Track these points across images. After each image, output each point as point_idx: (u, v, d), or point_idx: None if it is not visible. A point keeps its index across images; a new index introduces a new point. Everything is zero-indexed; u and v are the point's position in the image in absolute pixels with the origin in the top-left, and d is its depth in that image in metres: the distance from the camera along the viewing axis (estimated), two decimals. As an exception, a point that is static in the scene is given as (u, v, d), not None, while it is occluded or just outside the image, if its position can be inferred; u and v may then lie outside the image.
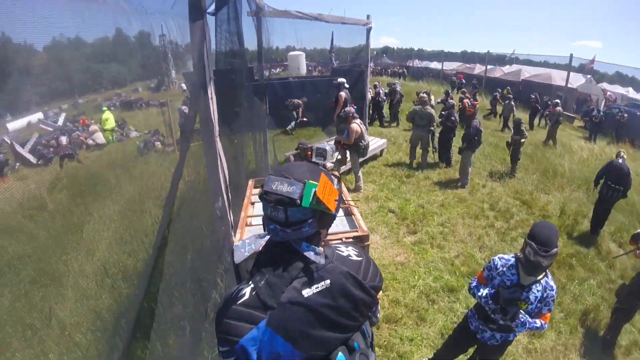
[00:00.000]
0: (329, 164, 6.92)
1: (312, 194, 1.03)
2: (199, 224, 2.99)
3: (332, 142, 6.92)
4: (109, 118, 9.51)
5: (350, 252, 1.23)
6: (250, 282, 1.07)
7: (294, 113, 10.77)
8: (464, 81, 21.35)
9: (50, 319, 2.76)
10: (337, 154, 6.91)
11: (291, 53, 19.78)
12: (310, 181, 1.04)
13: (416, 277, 4.25)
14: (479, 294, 2.34)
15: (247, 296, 1.03)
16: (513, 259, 2.32)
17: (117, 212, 3.58)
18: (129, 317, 2.62)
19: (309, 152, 5.27)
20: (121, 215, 3.53)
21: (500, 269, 2.30)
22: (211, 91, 2.67)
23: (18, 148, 6.06)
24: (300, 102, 10.84)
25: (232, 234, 2.90)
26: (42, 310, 2.85)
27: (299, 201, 1.02)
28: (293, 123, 10.72)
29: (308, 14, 5.54)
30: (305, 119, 11.01)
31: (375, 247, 4.79)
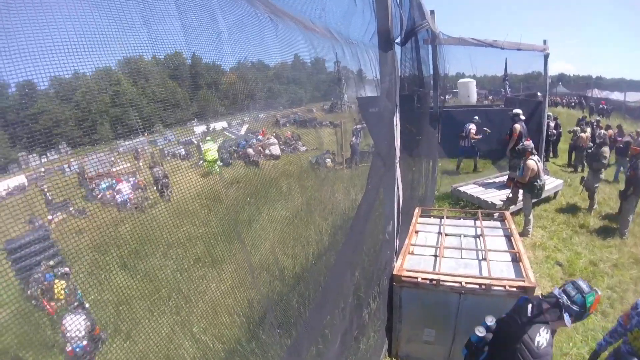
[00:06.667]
0: (499, 202, 6.52)
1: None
2: (365, 243, 3.06)
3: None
4: (210, 149, 9.01)
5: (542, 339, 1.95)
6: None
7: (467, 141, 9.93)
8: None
9: (204, 295, 3.11)
10: (508, 191, 6.63)
11: (461, 80, 18.84)
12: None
13: (571, 344, 3.75)
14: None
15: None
16: None
17: (284, 216, 3.95)
18: (277, 312, 2.85)
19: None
20: (288, 220, 3.89)
21: None
22: (397, 117, 2.73)
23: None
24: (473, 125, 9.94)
25: (395, 259, 2.87)
26: (199, 285, 3.23)
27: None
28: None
29: (483, 41, 5.26)
30: (477, 136, 9.83)
31: (534, 301, 4.19)
